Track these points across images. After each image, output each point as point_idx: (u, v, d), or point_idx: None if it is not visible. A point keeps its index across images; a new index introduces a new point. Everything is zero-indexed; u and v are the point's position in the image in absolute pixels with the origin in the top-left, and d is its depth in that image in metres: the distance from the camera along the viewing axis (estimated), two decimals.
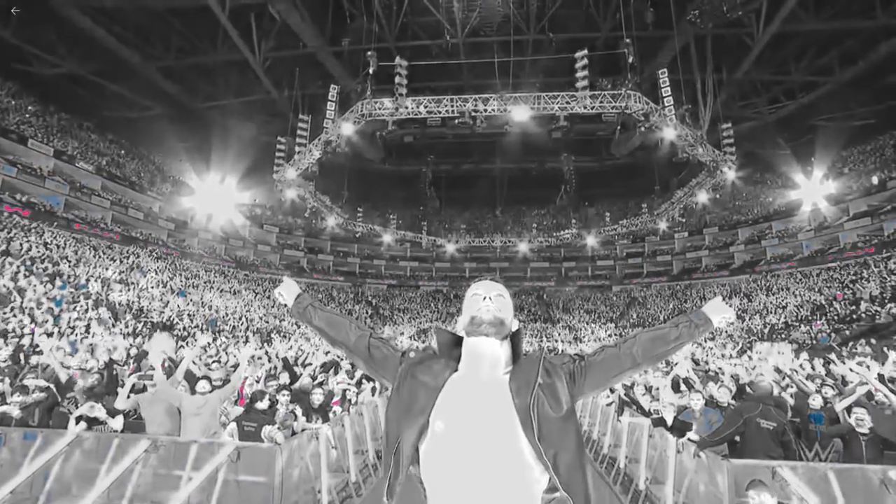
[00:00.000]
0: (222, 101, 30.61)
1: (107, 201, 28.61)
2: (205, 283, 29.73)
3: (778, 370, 7.14)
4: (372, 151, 26.07)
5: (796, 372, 7.12)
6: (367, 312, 37.56)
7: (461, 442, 1.20)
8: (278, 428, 4.32)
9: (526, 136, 24.61)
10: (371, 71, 19.26)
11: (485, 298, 1.37)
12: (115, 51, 25.08)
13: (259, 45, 22.84)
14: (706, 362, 10.65)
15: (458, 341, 1.41)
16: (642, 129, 19.93)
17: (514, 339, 1.40)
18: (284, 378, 5.83)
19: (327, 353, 9.26)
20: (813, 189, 27.43)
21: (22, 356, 9.26)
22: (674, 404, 5.10)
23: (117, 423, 4.39)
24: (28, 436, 4.47)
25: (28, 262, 17.54)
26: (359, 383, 7.28)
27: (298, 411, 4.84)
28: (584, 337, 31.01)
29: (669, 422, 4.87)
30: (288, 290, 1.67)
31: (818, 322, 22.15)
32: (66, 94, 29.22)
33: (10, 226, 20.22)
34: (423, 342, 22.87)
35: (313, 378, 6.45)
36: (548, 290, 40.54)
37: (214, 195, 29.45)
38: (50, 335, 12.41)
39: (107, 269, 21.87)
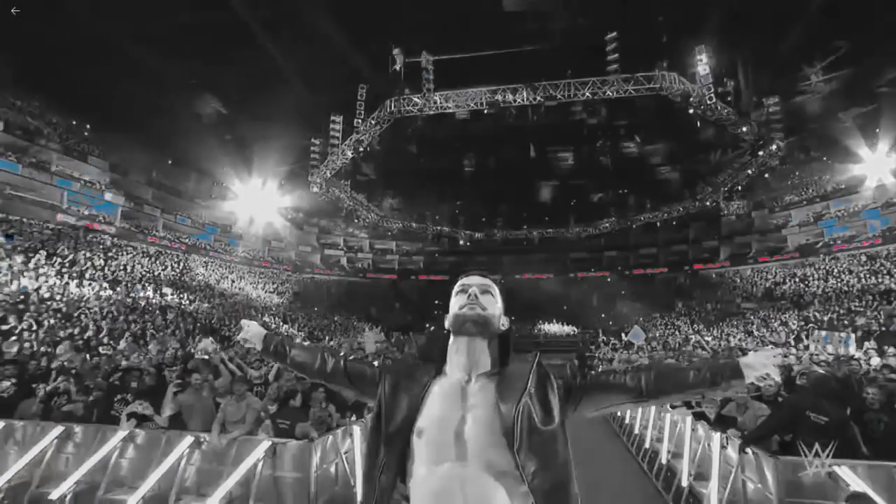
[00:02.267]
0: (261, 108, 31.52)
1: (157, 210, 30.25)
2: (249, 284, 30.95)
3: (838, 358, 6.69)
4: (405, 148, 26.26)
5: (858, 361, 6.65)
6: (407, 309, 37.98)
7: (440, 450, 1.13)
8: (311, 425, 4.43)
9: (559, 125, 24.01)
10: (398, 68, 19.37)
11: (469, 296, 1.28)
12: (161, 68, 26.35)
13: (289, 49, 23.35)
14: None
15: (442, 341, 1.34)
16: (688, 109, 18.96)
17: (504, 338, 1.31)
18: None
19: (355, 348, 9.41)
20: (878, 163, 25.34)
21: (88, 356, 9.98)
22: (716, 400, 4.86)
23: (163, 419, 4.64)
24: (89, 431, 4.81)
25: (92, 270, 18.82)
26: None
27: (332, 408, 4.93)
28: (627, 328, 30.07)
29: (712, 416, 4.65)
30: (253, 334, 1.51)
31: (888, 307, 20.51)
32: (120, 111, 30.95)
33: (75, 237, 21.75)
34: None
35: None
36: (588, 280, 39.63)
37: (256, 199, 30.70)
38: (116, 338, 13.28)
39: (159, 273, 23.13)
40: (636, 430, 7.56)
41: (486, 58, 23.64)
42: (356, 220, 31.03)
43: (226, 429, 4.42)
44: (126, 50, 24.00)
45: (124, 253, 23.60)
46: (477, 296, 1.28)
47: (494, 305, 1.31)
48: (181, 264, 27.29)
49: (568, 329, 29.96)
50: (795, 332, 20.37)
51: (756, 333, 20.79)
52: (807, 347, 12.95)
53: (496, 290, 1.34)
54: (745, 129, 19.85)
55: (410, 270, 43.39)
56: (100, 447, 4.52)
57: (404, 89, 19.86)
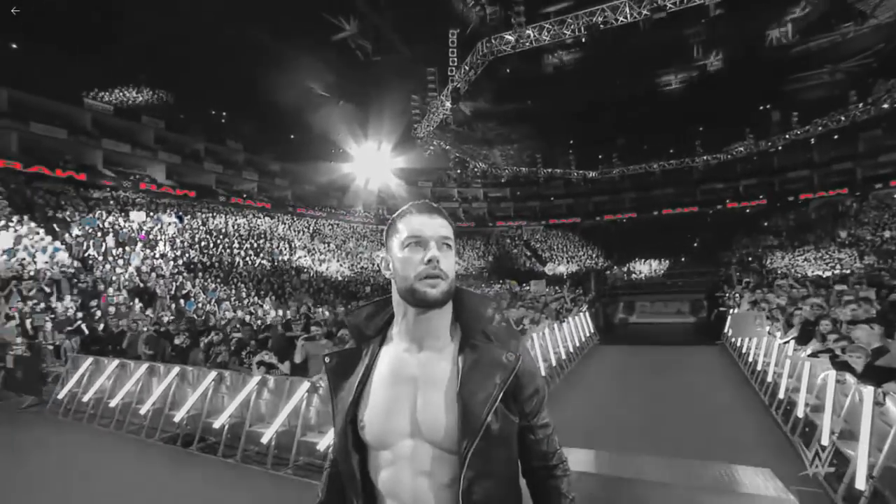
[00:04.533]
0: (365, 72, 32.33)
1: (286, 181, 33.70)
2: (370, 242, 33.38)
3: None
4: (506, 90, 25.15)
5: None
6: (526, 254, 37.82)
7: (388, 435, 0.98)
8: None
9: (676, 43, 20.69)
10: (484, 4, 18.19)
11: (429, 260, 0.97)
12: (273, 49, 28.28)
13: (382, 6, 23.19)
14: None
15: (381, 307, 1.10)
16: None
17: (458, 295, 1.06)
18: None
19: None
20: None
21: (242, 314, 11.81)
22: (865, 349, 4.03)
23: (285, 367, 5.31)
24: (234, 376, 5.76)
25: (239, 240, 21.90)
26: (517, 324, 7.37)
27: None
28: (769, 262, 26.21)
29: (858, 368, 3.89)
30: None
31: None
32: (245, 95, 34.39)
33: (225, 212, 25.33)
34: (565, 286, 21.97)
35: None
36: (722, 213, 35.15)
37: (370, 161, 32.68)
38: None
39: (292, 239, 26.01)
40: (769, 378, 6.73)
41: None
42: (466, 171, 31.08)
43: None
44: (245, 37, 26.08)
45: (263, 222, 26.89)
46: (439, 260, 0.98)
47: (453, 260, 1.03)
48: (311, 228, 30.31)
49: (699, 268, 27.25)
50: None
51: None
52: None
53: (451, 230, 1.04)
54: None
55: (526, 215, 42.71)
56: (242, 389, 5.40)
57: (495, 27, 18.65)
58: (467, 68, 19.78)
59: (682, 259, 29.85)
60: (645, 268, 29.96)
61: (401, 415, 0.98)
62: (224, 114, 33.65)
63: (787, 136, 29.04)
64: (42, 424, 6.84)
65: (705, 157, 32.41)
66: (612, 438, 5.36)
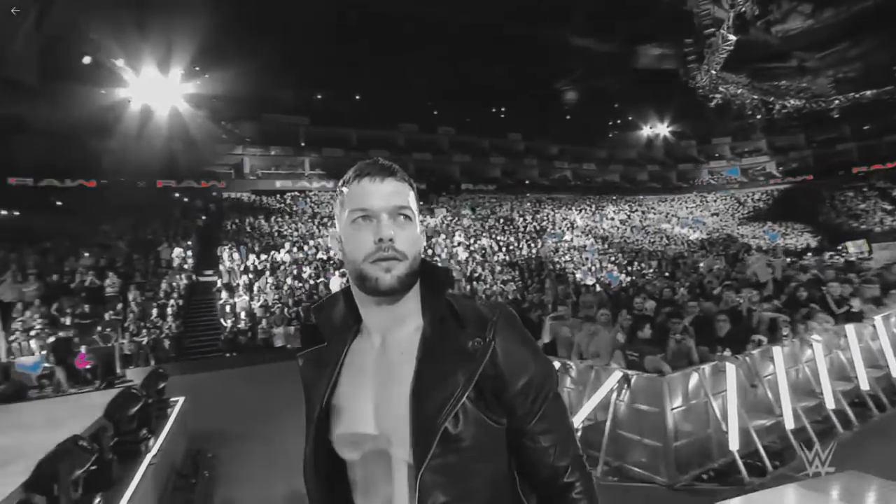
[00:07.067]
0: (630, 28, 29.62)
1: (565, 162, 34.40)
2: (656, 214, 30.62)
3: None
4: None
5: None
6: (884, 208, 27.29)
7: (359, 437, 0.82)
8: (663, 358, 4.18)
9: None
10: None
11: (382, 240, 0.78)
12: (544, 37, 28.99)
13: None
14: None
15: (353, 295, 0.89)
16: None
17: (424, 270, 0.86)
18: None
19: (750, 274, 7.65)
20: None
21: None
22: None
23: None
24: None
25: (525, 223, 23.81)
26: (796, 312, 5.69)
27: (692, 342, 4.45)
28: None
29: None
30: None
31: None
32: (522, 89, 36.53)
33: (510, 200, 27.82)
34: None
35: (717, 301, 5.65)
36: None
37: (649, 126, 30.12)
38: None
39: (574, 219, 26.41)
40: None
41: None
42: (772, 114, 24.35)
43: (583, 358, 4.82)
44: (518, 38, 27.61)
45: (545, 207, 28.24)
46: (392, 238, 0.79)
47: (414, 235, 0.83)
48: (593, 207, 29.97)
49: None
50: None
51: None
52: None
53: (413, 200, 0.84)
54: None
55: (880, 157, 30.44)
56: None
57: None
58: None
59: None
60: None
61: (365, 421, 0.82)
62: (503, 109, 36.70)
63: None
64: None
65: None
66: None
